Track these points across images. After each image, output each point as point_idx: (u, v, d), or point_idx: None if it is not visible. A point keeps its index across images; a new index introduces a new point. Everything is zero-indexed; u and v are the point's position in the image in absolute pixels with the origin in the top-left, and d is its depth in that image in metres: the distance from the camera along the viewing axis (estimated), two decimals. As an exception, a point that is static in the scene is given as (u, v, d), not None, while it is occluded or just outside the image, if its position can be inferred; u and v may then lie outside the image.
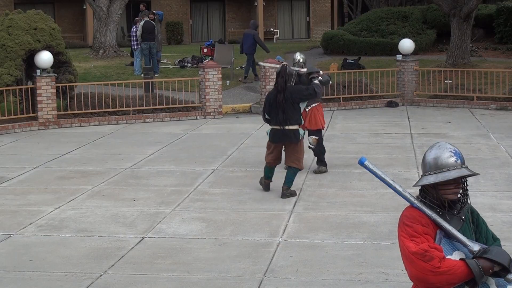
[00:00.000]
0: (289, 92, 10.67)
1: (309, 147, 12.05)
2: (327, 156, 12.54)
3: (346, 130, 16.38)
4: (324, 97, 19.95)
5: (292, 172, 10.83)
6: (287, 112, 10.62)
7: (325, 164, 12.33)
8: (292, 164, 10.80)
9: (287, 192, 10.77)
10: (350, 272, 7.60)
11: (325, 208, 10.13)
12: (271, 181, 11.08)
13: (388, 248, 8.30)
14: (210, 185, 11.57)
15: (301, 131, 10.89)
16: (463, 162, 4.06)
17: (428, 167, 4.08)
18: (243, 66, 26.34)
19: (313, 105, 12.11)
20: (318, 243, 8.61)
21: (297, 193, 10.87)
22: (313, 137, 11.97)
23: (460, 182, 4.05)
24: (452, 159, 4.04)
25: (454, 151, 4.06)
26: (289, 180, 10.79)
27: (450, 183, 4.02)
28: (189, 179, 11.93)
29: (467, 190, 4.11)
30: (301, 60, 11.87)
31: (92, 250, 8.49)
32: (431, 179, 4.03)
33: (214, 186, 11.47)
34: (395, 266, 7.58)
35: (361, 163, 4.15)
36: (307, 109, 12.00)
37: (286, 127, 10.66)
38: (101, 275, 7.65)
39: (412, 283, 4.09)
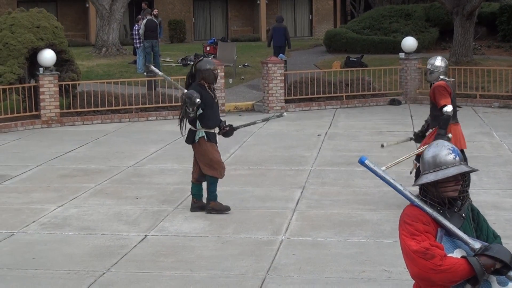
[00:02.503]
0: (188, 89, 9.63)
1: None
2: (330, 155, 12.49)
3: (349, 128, 16.37)
4: (326, 95, 20.00)
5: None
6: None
7: None
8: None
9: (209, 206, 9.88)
10: (353, 270, 7.61)
11: (327, 206, 10.13)
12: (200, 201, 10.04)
13: (391, 246, 8.30)
14: (212, 183, 11.55)
15: (199, 133, 9.89)
16: (461, 159, 4.07)
17: (427, 166, 4.08)
18: (246, 64, 26.34)
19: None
20: (321, 241, 8.61)
21: (300, 191, 10.88)
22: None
23: (459, 179, 4.06)
24: (451, 156, 4.05)
25: (452, 149, 4.08)
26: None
27: (450, 181, 4.03)
28: (192, 177, 11.91)
29: (467, 187, 4.13)
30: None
31: (95, 248, 8.50)
32: (431, 177, 4.03)
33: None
34: (398, 264, 7.58)
35: (362, 162, 4.15)
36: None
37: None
38: (104, 273, 7.66)
39: (414, 281, 4.10)
